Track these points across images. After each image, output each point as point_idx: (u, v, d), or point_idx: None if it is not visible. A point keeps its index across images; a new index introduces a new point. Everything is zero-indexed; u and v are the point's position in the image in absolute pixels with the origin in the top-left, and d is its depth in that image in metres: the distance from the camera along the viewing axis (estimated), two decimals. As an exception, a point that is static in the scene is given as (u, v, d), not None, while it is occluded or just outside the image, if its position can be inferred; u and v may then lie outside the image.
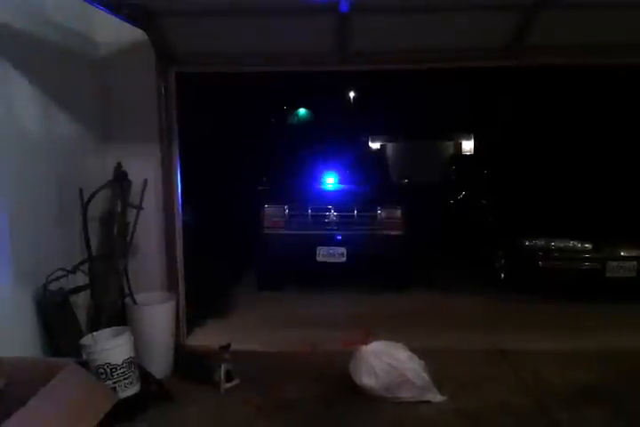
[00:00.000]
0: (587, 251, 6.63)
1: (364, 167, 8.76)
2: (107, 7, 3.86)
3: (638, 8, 4.18)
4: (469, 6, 4.24)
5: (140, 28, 4.49)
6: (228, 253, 7.33)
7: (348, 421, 3.93)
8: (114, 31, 4.68)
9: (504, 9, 4.32)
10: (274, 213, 7.14)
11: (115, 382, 3.77)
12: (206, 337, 5.37)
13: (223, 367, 4.30)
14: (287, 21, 4.43)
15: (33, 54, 3.89)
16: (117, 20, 4.18)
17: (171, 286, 5.09)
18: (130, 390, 3.87)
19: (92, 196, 4.44)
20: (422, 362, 4.17)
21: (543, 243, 6.73)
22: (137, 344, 4.08)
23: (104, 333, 4.10)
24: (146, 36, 4.61)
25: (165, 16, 4.39)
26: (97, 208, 4.67)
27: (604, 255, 6.55)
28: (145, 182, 4.88)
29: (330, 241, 6.97)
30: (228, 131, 11.51)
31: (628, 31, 4.46)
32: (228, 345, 4.39)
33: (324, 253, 6.92)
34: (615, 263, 6.49)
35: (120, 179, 4.81)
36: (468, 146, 20.90)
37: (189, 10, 4.29)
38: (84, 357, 3.73)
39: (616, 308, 6.22)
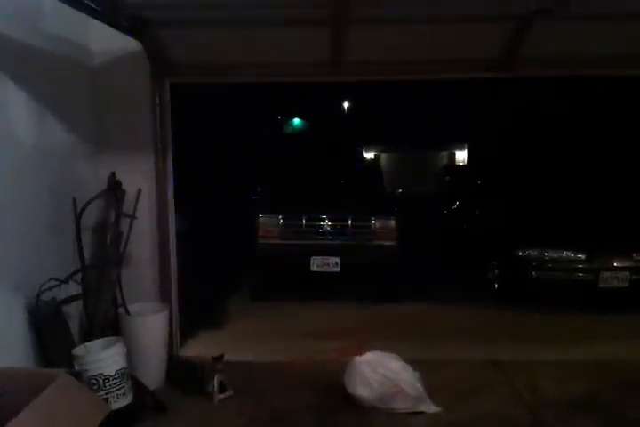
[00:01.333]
0: (580, 261, 6.66)
1: (358, 177, 8.78)
2: (102, 18, 3.88)
3: (633, 19, 4.22)
4: (464, 18, 4.27)
5: (136, 39, 4.51)
6: (221, 263, 7.32)
7: (341, 432, 3.91)
8: (109, 41, 4.69)
9: (499, 20, 4.36)
10: (268, 223, 7.15)
11: (107, 393, 3.73)
12: (199, 348, 5.34)
13: (216, 378, 4.27)
14: (283, 32, 4.45)
15: (27, 64, 3.89)
16: (113, 29, 4.21)
17: (164, 296, 5.06)
18: (122, 401, 3.83)
19: (86, 205, 4.43)
20: (416, 373, 4.16)
21: (536, 253, 6.76)
22: (130, 355, 4.05)
23: (97, 343, 4.07)
24: (141, 47, 4.63)
25: (160, 27, 4.40)
26: (90, 217, 4.66)
27: (598, 266, 6.58)
28: (139, 192, 4.87)
29: (324, 251, 6.96)
30: (223, 140, 11.54)
31: (623, 43, 4.50)
32: (222, 356, 4.36)
33: (318, 263, 6.92)
34: (608, 274, 6.51)
35: (114, 188, 4.80)
36: (461, 156, 21.02)
37: (185, 21, 4.30)
38: (77, 367, 3.71)
39: (609, 318, 6.23)
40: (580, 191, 8.21)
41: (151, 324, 4.61)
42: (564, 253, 6.71)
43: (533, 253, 6.77)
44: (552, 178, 8.69)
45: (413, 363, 4.24)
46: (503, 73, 5.08)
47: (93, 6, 3.65)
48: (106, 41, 4.73)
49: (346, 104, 22.78)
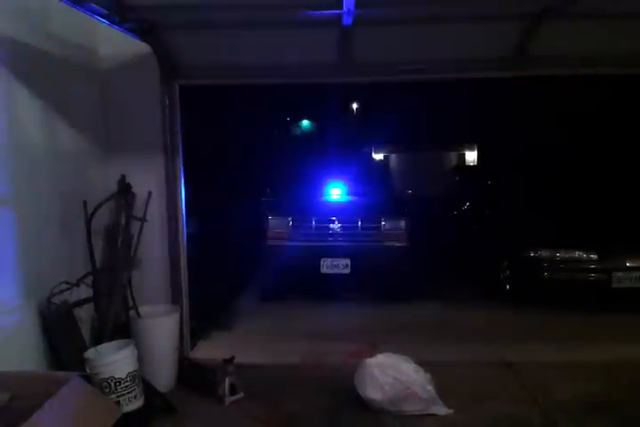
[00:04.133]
0: (592, 261, 6.60)
1: (367, 178, 8.76)
2: (110, 21, 3.89)
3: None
4: (473, 17, 4.26)
5: (144, 42, 4.53)
6: (231, 265, 7.33)
7: (353, 434, 3.90)
8: (117, 44, 4.73)
9: (508, 19, 4.34)
10: (278, 225, 7.15)
11: (119, 396, 3.74)
12: (210, 350, 5.35)
13: (227, 381, 4.27)
14: (290, 34, 4.46)
15: (36, 67, 3.92)
16: (121, 33, 4.22)
17: (174, 298, 5.07)
18: (134, 403, 3.84)
19: (97, 208, 4.45)
20: (428, 375, 4.14)
21: (548, 253, 6.71)
22: (141, 357, 4.06)
23: (108, 346, 4.07)
24: (149, 49, 4.64)
25: (169, 29, 4.42)
26: (101, 221, 4.68)
27: (610, 266, 6.52)
28: (149, 195, 4.89)
29: (334, 252, 6.95)
30: (232, 142, 11.55)
31: (635, 40, 4.47)
32: (232, 358, 4.36)
33: (327, 265, 6.90)
34: (621, 274, 6.46)
35: (124, 191, 4.82)
36: (471, 157, 20.90)
37: (193, 23, 4.31)
38: (88, 370, 3.71)
39: (622, 319, 6.20)
40: (591, 191, 8.14)
41: (162, 326, 4.62)
42: (576, 254, 6.66)
43: (545, 253, 6.72)
44: (563, 178, 8.63)
45: (424, 365, 4.21)
46: (514, 72, 5.05)
47: (102, 9, 3.66)
48: (114, 44, 4.76)
49: (355, 105, 22.75)
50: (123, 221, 4.79)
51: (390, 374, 4.06)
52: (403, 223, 7.14)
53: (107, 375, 3.72)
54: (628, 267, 6.50)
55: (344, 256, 6.91)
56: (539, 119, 14.84)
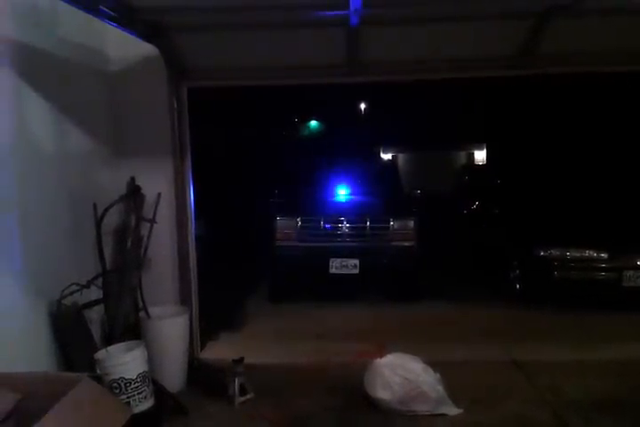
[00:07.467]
0: (602, 260, 6.57)
1: (375, 178, 8.75)
2: (119, 23, 3.90)
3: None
4: (481, 16, 4.25)
5: (152, 44, 4.54)
6: (240, 266, 7.34)
7: (363, 435, 3.90)
8: (126, 46, 4.73)
9: (515, 18, 4.32)
10: (286, 225, 7.15)
11: (129, 397, 3.75)
12: (220, 350, 5.37)
13: (237, 381, 4.28)
14: (298, 35, 4.46)
15: (45, 69, 3.93)
16: (130, 35, 4.24)
17: (184, 299, 5.09)
18: (144, 404, 3.85)
19: (106, 210, 4.46)
20: (437, 375, 4.13)
21: (558, 253, 6.68)
22: (151, 358, 4.07)
23: (118, 347, 4.09)
24: (158, 52, 4.66)
25: (176, 31, 4.43)
26: (111, 222, 4.69)
27: (620, 265, 6.49)
28: (158, 196, 4.90)
29: (342, 253, 6.95)
30: (241, 143, 11.58)
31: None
32: (242, 358, 4.37)
33: (336, 265, 6.90)
34: (631, 272, 6.42)
35: (133, 193, 4.84)
36: (480, 156, 20.83)
37: (200, 25, 4.32)
38: (98, 371, 3.73)
39: (633, 318, 6.15)
40: (601, 189, 8.10)
41: (172, 327, 4.64)
42: (587, 253, 6.62)
43: (555, 252, 6.69)
44: (573, 176, 8.59)
45: (434, 364, 4.21)
46: (522, 71, 5.04)
47: (110, 12, 3.68)
48: (122, 46, 4.77)
49: (363, 105, 22.73)
50: (132, 223, 4.81)
51: (400, 373, 4.06)
52: (411, 223, 7.13)
53: (117, 376, 3.74)
54: (639, 266, 6.46)
55: (353, 256, 6.90)
56: (548, 118, 14.78)
